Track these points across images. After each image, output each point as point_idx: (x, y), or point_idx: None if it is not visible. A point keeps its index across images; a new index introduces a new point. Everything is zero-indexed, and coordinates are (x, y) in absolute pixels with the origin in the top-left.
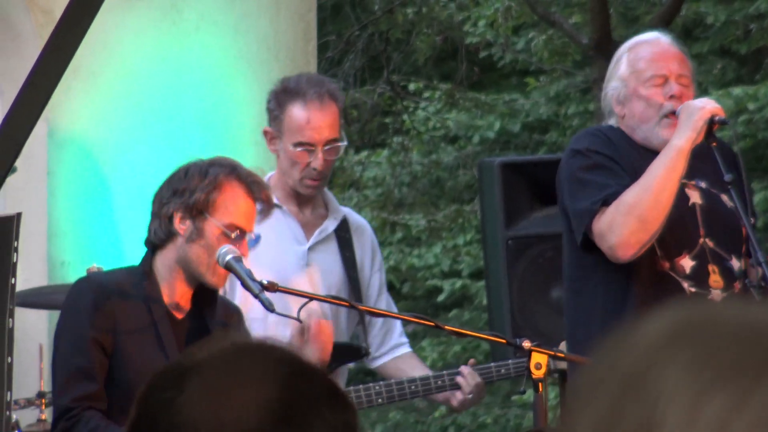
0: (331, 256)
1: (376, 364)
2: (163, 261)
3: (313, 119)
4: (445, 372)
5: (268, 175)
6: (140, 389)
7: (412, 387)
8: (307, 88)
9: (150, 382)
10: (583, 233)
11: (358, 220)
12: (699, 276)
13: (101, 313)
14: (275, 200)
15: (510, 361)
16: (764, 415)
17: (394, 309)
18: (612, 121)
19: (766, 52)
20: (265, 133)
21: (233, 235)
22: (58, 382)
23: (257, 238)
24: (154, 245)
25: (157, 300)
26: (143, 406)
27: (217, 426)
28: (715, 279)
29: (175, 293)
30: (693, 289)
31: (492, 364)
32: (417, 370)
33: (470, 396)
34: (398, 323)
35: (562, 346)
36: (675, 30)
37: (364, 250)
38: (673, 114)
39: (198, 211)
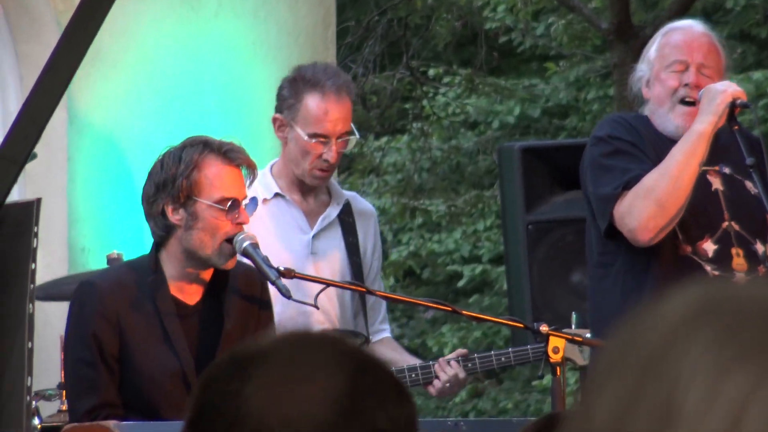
0: (334, 242)
1: None
2: (169, 255)
3: (331, 111)
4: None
5: (271, 163)
6: (200, 379)
7: (413, 375)
8: (325, 79)
9: (211, 372)
10: (608, 221)
11: (363, 205)
12: (722, 259)
13: (105, 318)
14: (278, 189)
15: (528, 346)
16: None
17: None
18: (644, 110)
19: None
20: (275, 120)
21: (227, 208)
22: (72, 393)
23: (254, 201)
24: (158, 243)
25: (164, 293)
26: (205, 396)
27: (284, 418)
28: (739, 262)
29: (185, 282)
30: (716, 273)
31: (510, 349)
32: (398, 354)
33: (447, 385)
34: (383, 310)
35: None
36: (694, 14)
37: (367, 235)
38: (684, 101)
39: (186, 197)
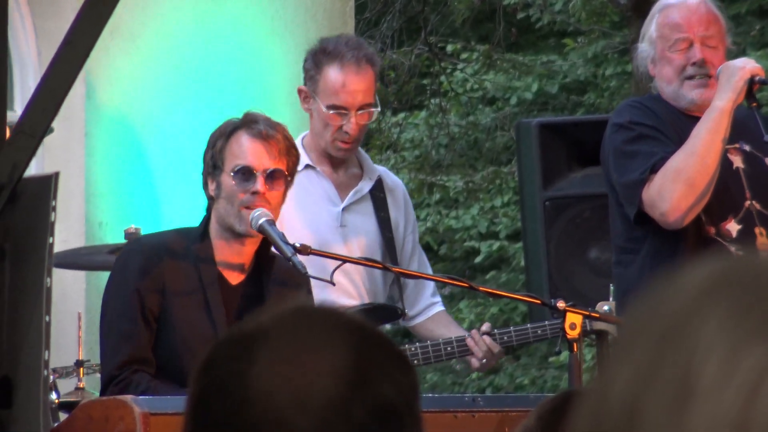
0: (365, 217)
1: (410, 324)
2: (212, 227)
3: (349, 83)
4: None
5: (302, 135)
6: (200, 362)
7: (448, 348)
8: (346, 50)
9: (213, 353)
10: (637, 207)
11: (393, 180)
12: (746, 239)
13: (149, 276)
14: (309, 161)
15: (546, 323)
16: None
17: (429, 269)
18: (654, 87)
19: None
20: (300, 91)
21: (240, 175)
22: (107, 346)
23: (278, 172)
24: (207, 213)
25: (209, 263)
26: (209, 377)
27: (293, 394)
28: (763, 241)
29: (228, 255)
30: (740, 253)
31: (528, 325)
32: (449, 329)
33: (484, 361)
34: (431, 283)
35: (599, 306)
36: None
37: (398, 210)
38: (692, 78)
39: (215, 169)
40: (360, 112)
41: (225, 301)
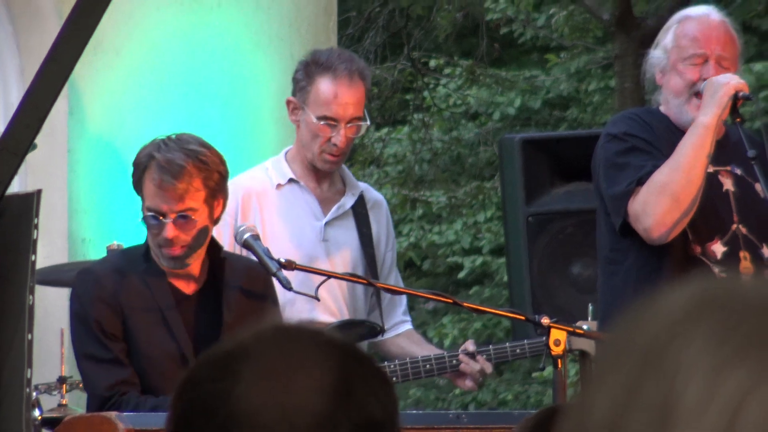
0: (347, 232)
1: (376, 339)
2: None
3: (341, 95)
4: (459, 352)
5: (286, 149)
6: (180, 382)
7: (427, 366)
8: (338, 63)
9: (194, 372)
10: (622, 218)
11: (375, 196)
12: (730, 262)
13: (106, 303)
14: (293, 175)
15: (525, 341)
16: None
17: (401, 286)
18: (657, 97)
19: None
20: (288, 102)
21: (152, 219)
22: (89, 374)
23: (185, 217)
24: None
25: (160, 278)
26: (191, 396)
27: (280, 412)
28: (746, 266)
29: (180, 271)
30: (723, 275)
31: (507, 344)
32: (421, 347)
33: (479, 380)
34: (403, 301)
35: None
36: (695, 5)
37: (380, 226)
38: (699, 95)
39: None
40: (349, 124)
41: (182, 314)
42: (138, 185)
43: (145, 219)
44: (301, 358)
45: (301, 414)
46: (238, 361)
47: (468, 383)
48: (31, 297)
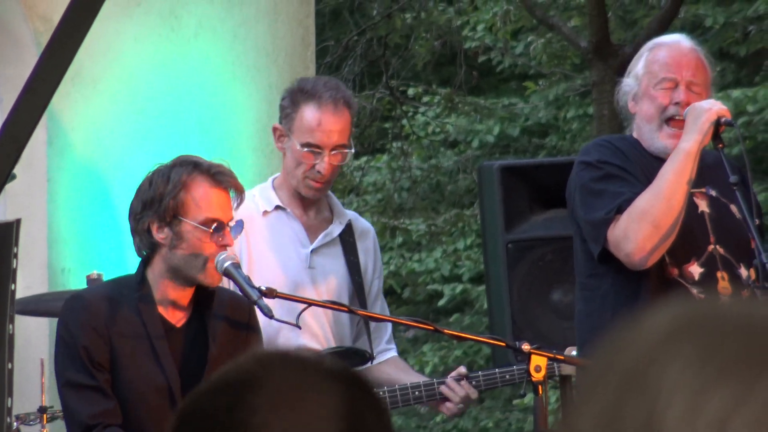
0: (334, 260)
1: (364, 367)
2: (154, 271)
3: (325, 122)
4: (448, 378)
5: (273, 176)
6: (185, 414)
7: (416, 393)
8: (324, 91)
9: (200, 404)
10: (602, 245)
11: (363, 225)
12: (708, 282)
13: (94, 330)
14: (279, 202)
15: (515, 367)
16: (766, 409)
17: (387, 314)
18: (631, 125)
19: (765, 54)
20: (275, 129)
21: (212, 230)
22: (71, 403)
23: (239, 224)
24: (144, 261)
25: (151, 309)
26: (203, 428)
27: None
28: (724, 286)
29: (171, 301)
30: (702, 296)
31: (497, 370)
32: (407, 374)
33: (461, 406)
34: (389, 329)
35: (567, 351)
36: (673, 32)
37: (367, 255)
38: (673, 119)
39: (171, 216)
40: (334, 152)
41: (170, 345)
42: (177, 200)
43: (203, 226)
44: (311, 388)
45: None
46: (250, 390)
47: (450, 407)
48: (11, 326)
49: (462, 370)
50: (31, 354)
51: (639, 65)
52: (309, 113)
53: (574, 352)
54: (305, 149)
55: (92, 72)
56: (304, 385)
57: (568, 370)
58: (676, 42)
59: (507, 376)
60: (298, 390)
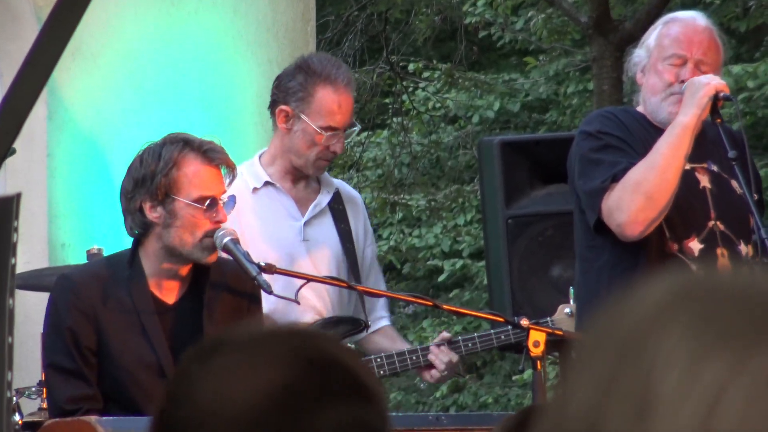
0: (326, 230)
1: (360, 336)
2: (148, 251)
3: (344, 104)
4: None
5: (259, 152)
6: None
7: (413, 357)
8: (335, 72)
9: (182, 359)
10: (597, 214)
11: (350, 192)
12: (707, 258)
13: (80, 312)
14: (268, 178)
15: (509, 328)
16: (761, 380)
17: (383, 282)
18: (637, 96)
19: (765, 29)
20: (281, 111)
21: (205, 206)
22: (53, 384)
23: (232, 199)
24: (137, 239)
25: (141, 287)
26: (173, 381)
27: (227, 408)
28: (724, 263)
29: (164, 279)
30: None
31: (492, 330)
32: (395, 343)
33: (445, 373)
34: (382, 298)
35: (560, 309)
36: (673, 8)
37: (357, 221)
38: (679, 94)
39: (164, 195)
40: (347, 131)
41: (162, 324)
42: (169, 178)
43: (197, 203)
44: (260, 359)
45: (243, 409)
46: (213, 353)
47: (434, 373)
48: (11, 300)
49: (445, 335)
50: (30, 329)
51: (651, 37)
52: (328, 96)
53: (567, 310)
54: (327, 132)
55: (92, 47)
56: (256, 356)
57: (564, 324)
58: (692, 19)
59: (502, 337)
60: (248, 360)
